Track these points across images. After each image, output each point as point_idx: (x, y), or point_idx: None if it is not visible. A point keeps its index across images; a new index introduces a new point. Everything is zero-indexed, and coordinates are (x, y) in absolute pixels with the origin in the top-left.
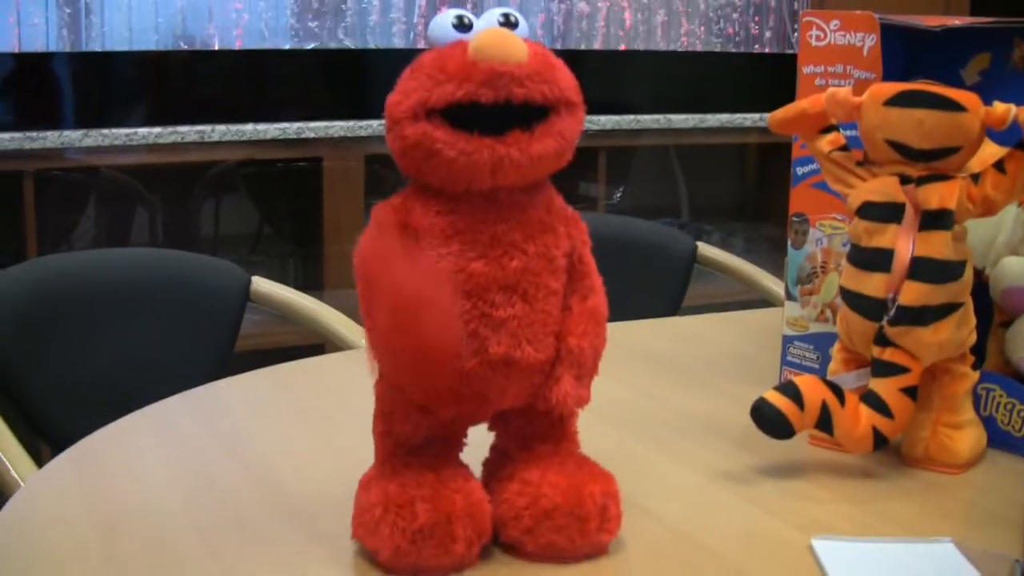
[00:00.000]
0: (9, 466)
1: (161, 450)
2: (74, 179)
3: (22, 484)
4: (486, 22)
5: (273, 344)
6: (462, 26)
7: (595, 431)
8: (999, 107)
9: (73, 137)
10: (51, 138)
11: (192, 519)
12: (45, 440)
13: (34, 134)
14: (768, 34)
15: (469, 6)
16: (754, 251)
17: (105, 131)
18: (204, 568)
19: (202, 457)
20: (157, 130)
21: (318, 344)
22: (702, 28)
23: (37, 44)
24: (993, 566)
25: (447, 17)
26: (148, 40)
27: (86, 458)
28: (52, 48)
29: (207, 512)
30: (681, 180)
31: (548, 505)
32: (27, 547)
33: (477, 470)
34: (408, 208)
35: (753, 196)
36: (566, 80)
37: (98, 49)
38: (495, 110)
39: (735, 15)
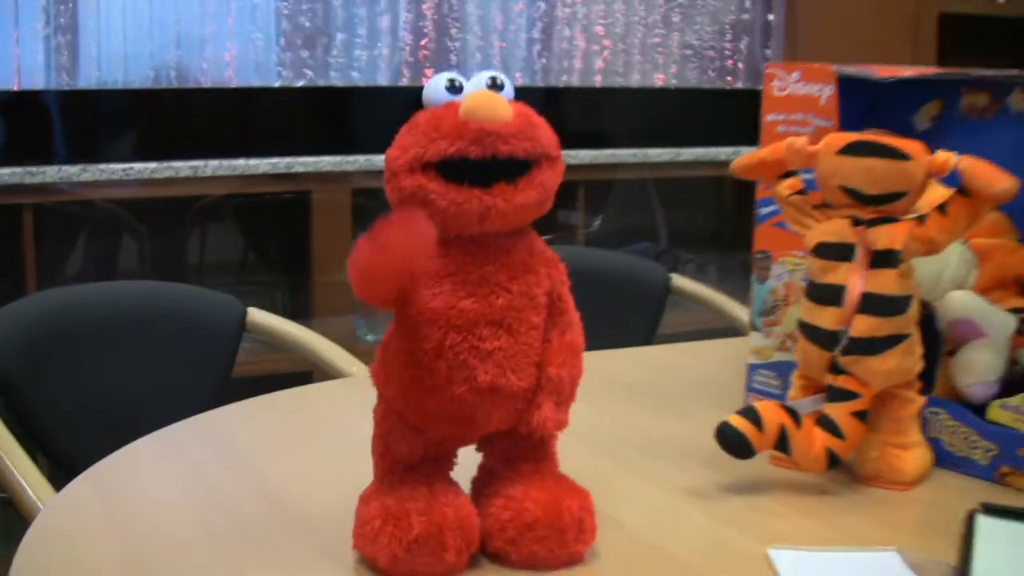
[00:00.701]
0: (29, 490)
1: (172, 471)
2: (71, 211)
3: (41, 506)
4: (475, 85)
5: (263, 371)
6: (454, 88)
7: (574, 453)
8: (941, 155)
9: (71, 171)
10: (50, 172)
11: (206, 534)
12: (48, 458)
13: (34, 169)
14: (742, 69)
15: (453, 58)
16: (728, 279)
17: (103, 166)
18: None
19: (211, 478)
20: (153, 165)
21: (307, 371)
22: (675, 66)
23: (36, 81)
24: (932, 572)
25: (440, 80)
26: (144, 76)
27: (103, 480)
28: (50, 85)
29: (219, 528)
30: (659, 211)
31: (530, 518)
32: (54, 563)
33: (466, 487)
34: None
35: (728, 226)
36: (547, 137)
37: (94, 84)
38: (483, 164)
39: (710, 52)
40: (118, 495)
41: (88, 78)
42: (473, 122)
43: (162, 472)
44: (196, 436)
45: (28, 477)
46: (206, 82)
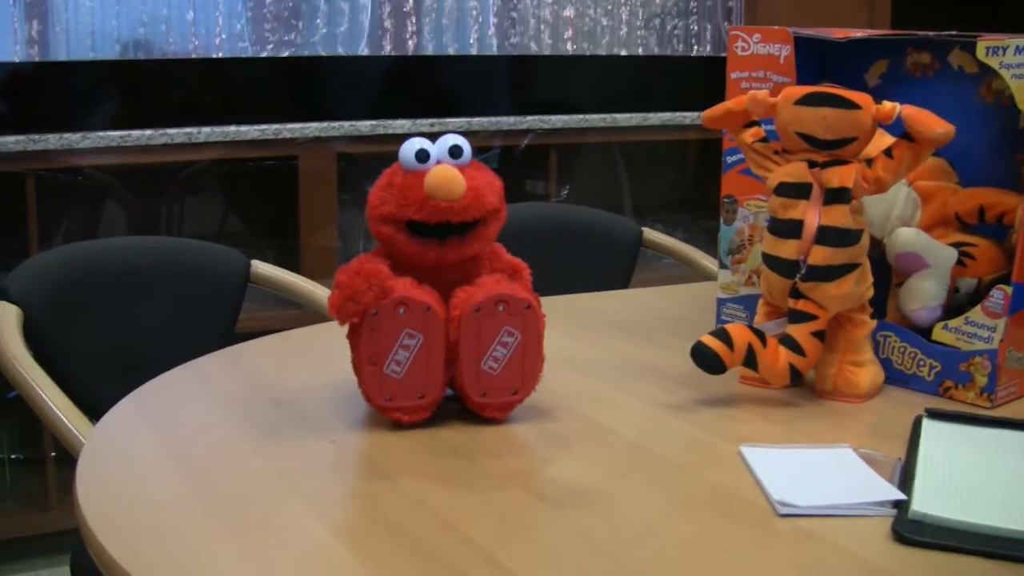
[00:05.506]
0: (71, 426)
1: (202, 392)
2: (68, 179)
3: (83, 440)
4: (439, 150)
5: (259, 327)
6: (422, 157)
7: (565, 378)
8: (886, 105)
9: (73, 139)
10: (52, 140)
11: (241, 434)
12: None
13: (36, 136)
14: (708, 35)
15: (428, 33)
16: (692, 241)
17: (101, 133)
18: (257, 467)
19: (236, 392)
20: (149, 132)
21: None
22: (640, 33)
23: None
24: (881, 463)
25: (412, 148)
26: (128, 50)
27: (143, 402)
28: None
29: (250, 426)
30: (624, 175)
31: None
32: (117, 468)
33: None
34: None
35: (692, 189)
36: (492, 198)
37: (88, 55)
38: (439, 226)
39: (676, 20)
40: (159, 412)
41: (81, 49)
42: (433, 199)
43: (193, 393)
44: (220, 365)
45: (68, 415)
46: (196, 54)
